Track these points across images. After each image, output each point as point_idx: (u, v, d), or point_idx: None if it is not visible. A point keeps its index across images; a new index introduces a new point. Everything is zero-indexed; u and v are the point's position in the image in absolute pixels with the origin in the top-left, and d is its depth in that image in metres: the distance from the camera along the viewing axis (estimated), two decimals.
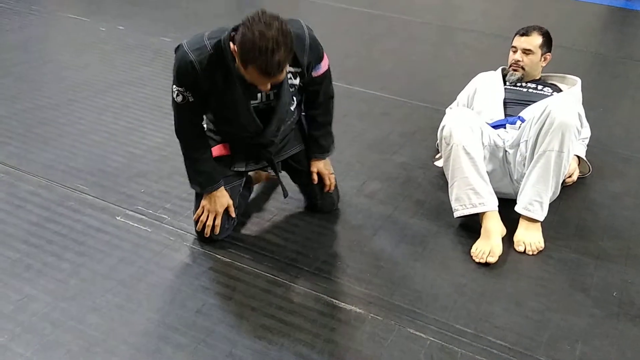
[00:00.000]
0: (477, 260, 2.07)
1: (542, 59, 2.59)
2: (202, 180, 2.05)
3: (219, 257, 2.04)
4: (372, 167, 2.65)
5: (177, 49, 1.90)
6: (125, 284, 1.89)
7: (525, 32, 2.57)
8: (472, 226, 2.22)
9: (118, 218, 2.21)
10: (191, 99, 1.90)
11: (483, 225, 2.15)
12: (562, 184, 2.28)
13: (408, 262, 2.07)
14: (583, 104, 2.50)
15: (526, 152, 2.20)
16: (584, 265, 2.10)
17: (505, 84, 2.61)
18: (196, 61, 1.83)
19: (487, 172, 2.24)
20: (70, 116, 2.98)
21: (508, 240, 2.17)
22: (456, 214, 2.20)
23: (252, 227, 2.21)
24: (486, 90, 2.60)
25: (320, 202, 2.30)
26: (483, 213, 2.15)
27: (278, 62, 1.67)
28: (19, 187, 2.36)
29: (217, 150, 2.12)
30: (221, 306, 1.83)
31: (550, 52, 2.61)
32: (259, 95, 1.96)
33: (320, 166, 2.25)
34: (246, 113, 1.96)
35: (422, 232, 2.23)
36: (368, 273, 2.00)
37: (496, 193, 2.21)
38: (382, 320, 1.80)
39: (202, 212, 2.06)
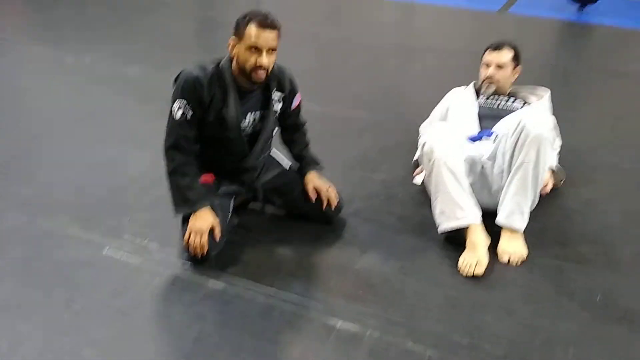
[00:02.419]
0: (464, 274, 2.12)
1: (513, 73, 2.69)
2: (190, 197, 2.07)
3: (212, 284, 2.03)
4: (354, 186, 2.69)
5: (179, 75, 2.07)
6: (119, 316, 1.87)
7: (496, 47, 2.67)
8: (456, 239, 2.27)
9: (105, 250, 2.18)
10: (189, 115, 2.04)
11: (468, 238, 2.20)
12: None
13: (399, 278, 2.10)
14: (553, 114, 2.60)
15: (504, 164, 2.28)
16: (566, 271, 2.17)
17: (478, 98, 2.70)
18: (201, 77, 2.03)
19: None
20: (47, 149, 2.94)
21: (492, 251, 2.23)
22: (440, 229, 2.25)
23: (242, 252, 2.21)
24: (460, 105, 2.68)
25: (326, 211, 2.34)
26: (467, 226, 2.21)
27: (272, 20, 1.99)
28: (1, 225, 2.32)
29: (202, 179, 2.18)
30: (218, 333, 1.82)
31: (519, 65, 2.72)
32: (247, 116, 2.13)
33: (316, 182, 2.32)
34: (237, 131, 2.13)
35: (409, 248, 2.27)
36: (361, 290, 2.03)
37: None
38: (380, 336, 1.82)
39: (189, 235, 2.07)
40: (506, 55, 2.65)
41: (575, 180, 2.78)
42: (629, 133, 3.39)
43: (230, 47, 2.05)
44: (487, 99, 2.69)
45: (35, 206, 2.45)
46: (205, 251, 2.07)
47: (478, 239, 2.19)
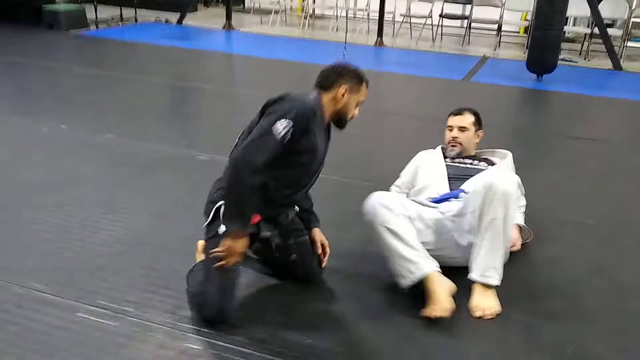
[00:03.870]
0: (431, 316, 2.15)
1: (476, 136, 2.83)
2: (246, 217, 2.09)
3: (187, 345, 2.03)
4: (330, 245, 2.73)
5: (290, 98, 2.12)
6: None
7: (458, 112, 2.84)
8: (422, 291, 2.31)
9: (79, 314, 2.17)
10: (287, 139, 2.05)
11: (427, 289, 2.24)
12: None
13: (377, 336, 2.12)
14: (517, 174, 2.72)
15: (474, 221, 2.36)
16: (536, 326, 2.22)
17: (445, 160, 2.82)
18: (315, 109, 2.17)
19: (432, 242, 2.40)
20: (21, 216, 2.93)
21: (464, 306, 2.27)
22: (402, 286, 2.31)
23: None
24: (429, 166, 2.79)
25: (309, 269, 2.40)
26: (426, 277, 2.25)
27: None
28: None
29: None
30: None
31: (481, 129, 2.87)
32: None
33: (321, 236, 2.43)
34: (322, 155, 2.29)
35: (385, 305, 2.31)
36: (344, 347, 2.05)
37: (448, 260, 2.36)
38: None
39: (226, 249, 2.06)
40: (468, 118, 2.81)
41: (541, 238, 2.88)
42: (588, 192, 3.54)
43: (342, 92, 2.23)
44: (454, 160, 2.81)
45: (9, 272, 2.42)
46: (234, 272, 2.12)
47: (437, 287, 2.22)
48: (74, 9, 8.56)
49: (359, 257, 2.65)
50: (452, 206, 2.53)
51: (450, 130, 2.82)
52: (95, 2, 8.68)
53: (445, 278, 2.27)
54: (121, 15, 9.18)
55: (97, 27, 8.63)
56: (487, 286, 2.29)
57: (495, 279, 2.29)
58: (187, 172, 3.56)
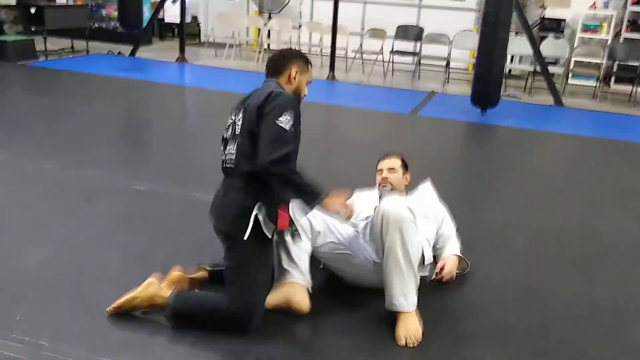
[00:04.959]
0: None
1: (404, 178, 2.92)
2: (314, 186, 2.22)
3: None
4: None
5: (276, 94, 2.24)
6: None
7: (386, 156, 2.98)
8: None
9: None
10: (293, 129, 2.21)
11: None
12: (441, 280, 2.58)
13: None
14: (455, 204, 2.77)
15: (379, 246, 2.39)
16: (458, 349, 2.24)
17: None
18: (296, 97, 2.38)
19: (348, 253, 2.51)
20: None
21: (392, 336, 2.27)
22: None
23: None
24: (364, 198, 2.89)
25: None
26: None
27: None
28: None
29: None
30: None
31: (408, 172, 2.95)
32: None
33: None
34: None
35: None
36: None
37: (366, 279, 2.51)
38: None
39: (337, 202, 2.24)
40: (395, 161, 2.94)
41: (473, 263, 2.92)
42: (524, 220, 3.62)
43: (294, 74, 2.41)
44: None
45: None
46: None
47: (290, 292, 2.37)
48: (22, 39, 8.46)
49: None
50: (368, 228, 2.57)
51: (381, 173, 2.92)
52: (44, 33, 8.60)
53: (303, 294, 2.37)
54: (72, 46, 9.10)
55: (46, 58, 8.53)
56: (404, 313, 2.30)
57: (405, 306, 2.30)
58: (123, 202, 3.50)
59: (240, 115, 2.31)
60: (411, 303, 2.31)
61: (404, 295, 2.30)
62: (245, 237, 2.20)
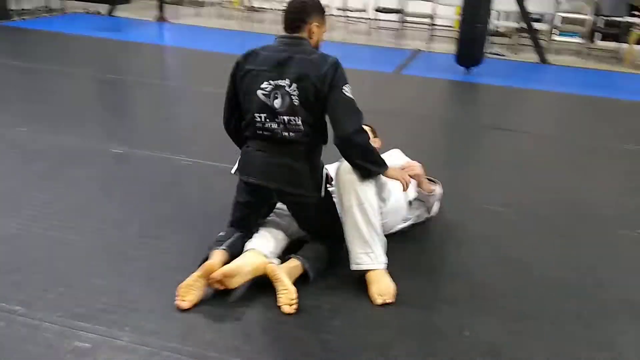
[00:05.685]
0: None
1: (373, 141, 2.85)
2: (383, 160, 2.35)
3: (76, 344, 1.95)
4: None
5: (337, 63, 2.28)
6: None
7: None
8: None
9: None
10: None
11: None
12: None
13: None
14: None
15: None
16: (436, 310, 2.25)
17: None
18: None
19: None
20: None
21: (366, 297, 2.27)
22: None
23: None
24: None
25: None
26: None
27: None
28: None
29: None
30: None
31: (377, 137, 2.92)
32: None
33: None
34: None
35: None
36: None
37: None
38: None
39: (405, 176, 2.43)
40: None
41: (451, 224, 2.93)
42: (506, 181, 3.61)
43: (316, 29, 2.36)
44: None
45: None
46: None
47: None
48: None
49: None
50: None
51: None
52: None
53: (253, 258, 2.27)
54: (47, 5, 8.83)
55: (20, 17, 8.27)
56: (373, 271, 2.29)
57: (370, 264, 2.29)
58: (101, 166, 3.44)
59: (295, 85, 2.24)
60: (377, 261, 2.30)
61: (366, 254, 2.29)
62: (322, 194, 2.35)
